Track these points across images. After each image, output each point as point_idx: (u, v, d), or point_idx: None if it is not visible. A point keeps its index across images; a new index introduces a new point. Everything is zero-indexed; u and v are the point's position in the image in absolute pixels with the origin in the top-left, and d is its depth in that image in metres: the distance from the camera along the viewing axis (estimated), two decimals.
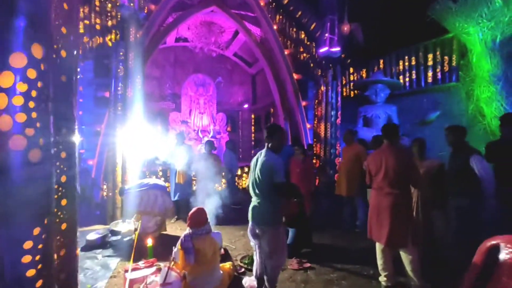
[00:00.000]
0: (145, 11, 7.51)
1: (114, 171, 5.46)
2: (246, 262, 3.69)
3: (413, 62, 9.15)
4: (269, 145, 2.73)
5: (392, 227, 2.93)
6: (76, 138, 2.18)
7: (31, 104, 1.64)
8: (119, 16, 6.97)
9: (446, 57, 8.46)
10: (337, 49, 8.48)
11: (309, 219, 4.28)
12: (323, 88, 7.98)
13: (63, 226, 2.06)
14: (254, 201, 2.74)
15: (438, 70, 8.61)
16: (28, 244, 1.65)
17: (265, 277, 2.72)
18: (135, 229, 4.52)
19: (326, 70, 8.44)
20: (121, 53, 5.64)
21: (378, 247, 3.15)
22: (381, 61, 9.97)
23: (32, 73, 1.64)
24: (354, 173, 5.09)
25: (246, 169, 9.11)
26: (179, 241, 2.92)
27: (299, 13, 9.57)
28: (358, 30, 9.85)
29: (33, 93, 1.65)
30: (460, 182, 3.31)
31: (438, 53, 8.59)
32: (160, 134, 6.62)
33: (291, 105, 9.21)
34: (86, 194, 6.23)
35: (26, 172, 1.65)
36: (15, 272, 1.62)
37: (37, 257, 1.68)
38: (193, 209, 3.07)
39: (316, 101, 8.45)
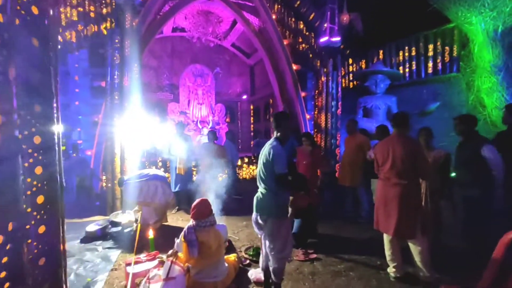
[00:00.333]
0: None
1: (113, 161, 5.35)
2: (251, 253, 3.63)
3: (413, 53, 9.08)
4: (278, 134, 2.65)
5: (399, 218, 2.88)
6: (57, 123, 1.75)
7: None
8: (113, 3, 6.77)
9: (447, 48, 8.39)
10: (337, 38, 8.35)
11: (315, 210, 4.22)
12: (323, 78, 7.89)
13: (41, 229, 1.65)
14: (259, 191, 2.68)
15: (438, 60, 8.55)
16: None
17: (270, 270, 2.66)
18: (136, 220, 4.45)
19: (325, 60, 8.32)
20: (116, 41, 5.48)
21: (386, 238, 3.10)
22: (381, 51, 9.88)
23: None
24: (357, 163, 5.05)
25: (246, 160, 9.07)
26: (182, 233, 2.83)
27: (298, 2, 9.40)
28: (358, 20, 9.71)
29: None
30: (470, 172, 3.26)
31: (438, 43, 8.51)
32: (159, 125, 6.51)
33: (291, 96, 9.11)
34: (85, 184, 6.13)
35: None
36: None
37: (2, 274, 1.38)
38: (197, 200, 2.98)
39: (317, 91, 8.36)
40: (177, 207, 5.75)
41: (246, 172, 9.04)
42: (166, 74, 10.88)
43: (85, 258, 3.62)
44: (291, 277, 3.07)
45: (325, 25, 8.49)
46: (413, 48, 9.05)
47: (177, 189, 5.58)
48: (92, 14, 6.65)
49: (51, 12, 1.71)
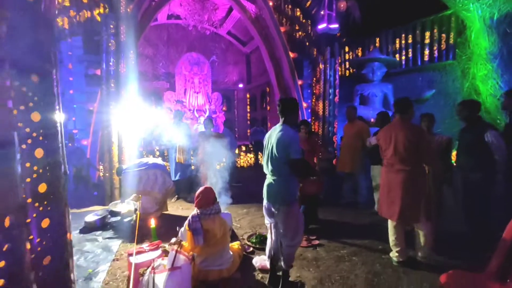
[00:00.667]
0: None
1: (110, 150, 5.27)
2: (254, 240, 3.63)
3: (410, 40, 9.06)
4: (285, 120, 2.58)
5: (402, 203, 2.90)
6: (58, 99, 1.53)
7: None
8: None
9: (443, 35, 8.39)
10: (335, 25, 8.27)
11: (317, 196, 4.23)
12: (321, 66, 7.84)
13: (44, 223, 1.43)
14: (269, 178, 2.60)
15: (435, 48, 8.55)
16: None
17: (280, 257, 2.64)
18: (135, 210, 4.41)
19: (322, 48, 8.26)
20: (111, 26, 5.33)
21: (391, 223, 3.13)
22: (377, 39, 9.84)
23: None
24: (356, 149, 5.08)
25: (243, 148, 9.07)
26: (187, 222, 2.82)
27: None
28: (355, 7, 9.61)
29: None
30: (472, 157, 3.29)
31: (435, 30, 8.50)
32: (157, 113, 6.42)
33: (287, 84, 9.03)
34: (82, 174, 6.05)
35: None
36: None
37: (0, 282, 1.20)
38: (201, 188, 2.95)
39: (315, 79, 8.32)
40: (176, 196, 5.73)
41: (243, 160, 9.04)
42: (162, 62, 10.70)
43: (85, 249, 3.58)
44: (295, 263, 3.07)
45: (322, 12, 8.38)
46: (410, 36, 9.03)
47: (177, 177, 5.55)
48: (84, 0, 6.44)
49: None
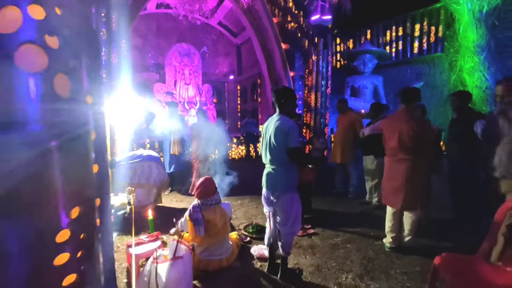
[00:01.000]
0: None
1: None
2: (250, 230, 3.68)
3: (400, 33, 9.16)
4: (281, 110, 2.61)
5: (407, 192, 2.99)
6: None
7: None
8: None
9: (432, 28, 8.52)
10: (328, 17, 8.29)
11: (310, 186, 4.30)
12: (314, 57, 7.86)
13: (97, 202, 1.34)
14: (268, 167, 2.65)
15: (424, 40, 8.69)
16: (62, 236, 1.06)
17: (279, 244, 2.70)
18: (129, 203, 4.38)
19: (314, 39, 8.27)
20: (102, 15, 5.19)
21: (390, 210, 3.22)
22: (368, 31, 9.91)
23: None
24: (348, 140, 5.15)
25: (234, 140, 9.06)
26: (187, 212, 2.84)
27: None
28: None
29: None
30: (461, 146, 3.40)
31: (425, 23, 8.62)
32: (149, 105, 6.33)
33: (279, 76, 9.03)
34: None
35: (47, 115, 0.99)
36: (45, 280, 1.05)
37: (79, 254, 1.14)
38: (201, 179, 2.97)
39: (307, 70, 8.34)
40: (170, 188, 5.71)
41: (235, 152, 9.05)
42: (152, 53, 10.48)
43: None
44: (292, 251, 3.14)
45: (315, 3, 8.38)
46: (400, 28, 9.13)
47: (171, 170, 5.52)
48: None
49: None
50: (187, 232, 2.90)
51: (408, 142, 2.94)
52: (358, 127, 5.01)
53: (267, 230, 2.84)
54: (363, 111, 8.05)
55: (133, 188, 4.33)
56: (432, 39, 8.54)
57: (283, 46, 8.87)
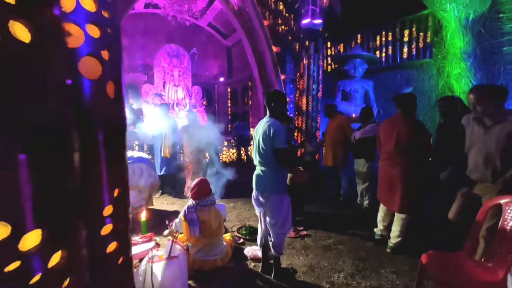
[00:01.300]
0: None
1: None
2: (244, 232, 3.66)
3: (390, 38, 9.31)
4: (272, 113, 2.62)
5: (403, 195, 3.04)
6: None
7: (105, 13, 1.21)
8: None
9: (421, 34, 8.68)
10: (319, 21, 8.35)
11: (304, 188, 4.30)
12: (305, 61, 7.90)
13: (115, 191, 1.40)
14: (258, 169, 2.67)
15: (413, 46, 8.84)
16: (108, 210, 1.27)
17: (270, 245, 2.71)
18: None
19: (305, 43, 8.32)
20: None
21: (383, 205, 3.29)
22: (359, 36, 10.03)
23: None
24: (338, 143, 5.18)
25: (225, 143, 8.99)
26: (182, 213, 2.81)
27: None
28: (337, 2, 9.74)
29: None
30: (448, 151, 3.43)
31: (414, 29, 8.78)
32: (139, 106, 6.22)
33: (270, 79, 9.02)
34: None
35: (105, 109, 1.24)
36: (94, 247, 1.24)
37: (119, 226, 1.35)
38: (196, 180, 2.96)
39: (298, 74, 8.37)
40: (160, 191, 5.61)
41: (225, 155, 8.98)
42: (139, 53, 10.30)
43: None
44: (285, 252, 3.14)
45: (306, 7, 8.43)
46: (390, 33, 9.27)
47: (162, 172, 5.41)
48: None
49: None
50: (182, 233, 2.87)
51: (406, 146, 2.98)
52: (346, 128, 5.06)
53: (259, 231, 2.85)
54: (353, 115, 8.12)
55: None
56: (421, 44, 8.69)
57: (274, 49, 8.88)
